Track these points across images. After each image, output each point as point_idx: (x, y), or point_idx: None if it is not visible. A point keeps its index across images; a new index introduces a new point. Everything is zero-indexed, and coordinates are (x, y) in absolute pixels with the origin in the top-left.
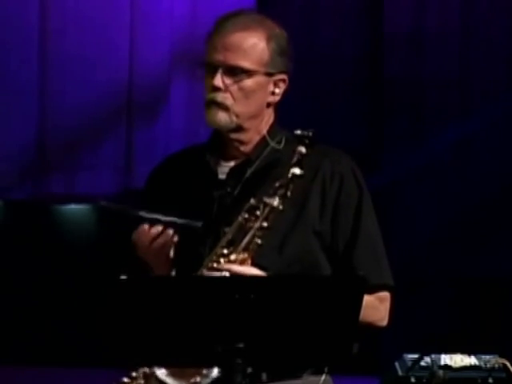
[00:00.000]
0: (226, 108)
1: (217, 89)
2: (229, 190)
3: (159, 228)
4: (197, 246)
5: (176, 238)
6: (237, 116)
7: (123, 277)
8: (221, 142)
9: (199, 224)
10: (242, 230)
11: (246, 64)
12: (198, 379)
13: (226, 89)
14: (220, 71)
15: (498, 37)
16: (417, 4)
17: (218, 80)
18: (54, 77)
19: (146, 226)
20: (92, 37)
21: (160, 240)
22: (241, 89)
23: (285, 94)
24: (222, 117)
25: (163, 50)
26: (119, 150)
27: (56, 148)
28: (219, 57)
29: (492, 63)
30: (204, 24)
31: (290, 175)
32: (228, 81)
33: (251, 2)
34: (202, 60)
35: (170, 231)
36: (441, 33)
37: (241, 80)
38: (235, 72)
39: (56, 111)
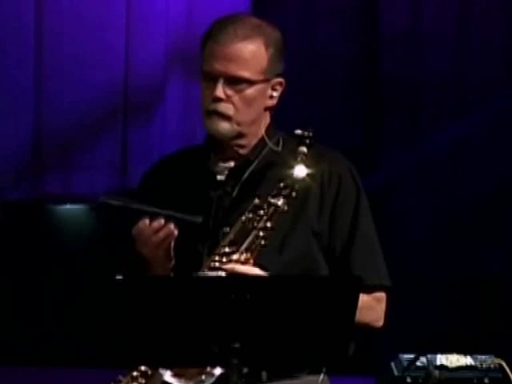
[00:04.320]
0: (227, 117)
1: (218, 99)
2: (227, 190)
3: (161, 221)
4: (195, 246)
5: (176, 232)
6: (238, 124)
7: (119, 277)
8: (218, 143)
9: (199, 219)
10: (245, 230)
11: (247, 74)
12: (203, 378)
13: (228, 99)
14: (221, 81)
15: (493, 37)
16: (413, 4)
17: (220, 91)
18: (50, 77)
19: (147, 220)
20: (88, 37)
21: (161, 234)
22: (242, 98)
23: (281, 95)
24: (224, 126)
25: (159, 50)
26: (115, 150)
27: (52, 148)
28: (220, 67)
29: (488, 63)
30: (199, 24)
31: (295, 176)
32: (229, 91)
33: (247, 2)
34: (200, 66)
35: (172, 225)
36: (437, 33)
37: (242, 90)
38: (237, 82)
39: (52, 111)
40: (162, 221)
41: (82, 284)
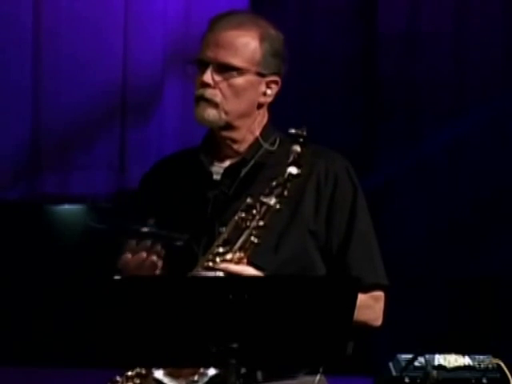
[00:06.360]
0: (215, 105)
1: (206, 85)
2: (223, 189)
3: (143, 255)
4: (191, 245)
5: (161, 263)
6: (226, 113)
7: (116, 277)
8: (214, 142)
9: (185, 237)
10: (238, 229)
11: (236, 62)
12: (196, 378)
13: (216, 85)
14: (210, 68)
15: (491, 38)
16: (411, 5)
17: (208, 76)
18: (48, 77)
19: (129, 256)
20: (86, 37)
21: (145, 266)
22: (230, 86)
23: (277, 96)
24: (210, 113)
25: (157, 50)
26: (113, 150)
27: (50, 148)
28: (210, 53)
29: (485, 64)
30: (197, 24)
31: (286, 174)
32: (218, 78)
33: (244, 2)
34: (194, 57)
35: (154, 256)
36: (435, 34)
37: (231, 77)
38: (226, 69)
39: (50, 111)
40: (144, 254)
41: (79, 284)
